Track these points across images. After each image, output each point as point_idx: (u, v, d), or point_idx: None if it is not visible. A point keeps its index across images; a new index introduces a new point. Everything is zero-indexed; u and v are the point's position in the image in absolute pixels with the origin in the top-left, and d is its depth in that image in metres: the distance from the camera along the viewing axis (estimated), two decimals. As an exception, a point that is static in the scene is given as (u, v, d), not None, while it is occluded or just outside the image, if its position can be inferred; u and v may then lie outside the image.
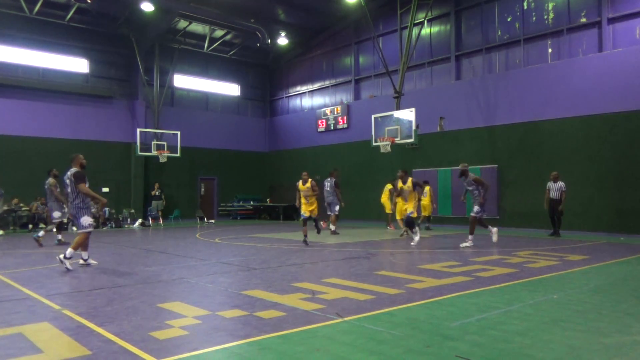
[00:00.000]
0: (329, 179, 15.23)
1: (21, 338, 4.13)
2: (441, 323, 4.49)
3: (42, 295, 5.89)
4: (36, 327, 4.44)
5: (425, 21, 19.18)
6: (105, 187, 21.20)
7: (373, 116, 17.35)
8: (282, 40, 23.68)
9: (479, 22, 18.21)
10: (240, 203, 25.10)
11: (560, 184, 13.18)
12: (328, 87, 24.28)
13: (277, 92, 27.40)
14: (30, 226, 17.61)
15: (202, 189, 24.06)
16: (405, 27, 18.40)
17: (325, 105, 24.19)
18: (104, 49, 21.82)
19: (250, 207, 25.11)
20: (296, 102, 26.30)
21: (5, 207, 17.35)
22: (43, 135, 19.73)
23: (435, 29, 19.70)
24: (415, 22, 17.77)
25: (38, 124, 19.71)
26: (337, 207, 14.94)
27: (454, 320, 4.58)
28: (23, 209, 17.86)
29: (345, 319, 4.66)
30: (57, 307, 5.26)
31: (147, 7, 19.18)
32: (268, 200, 25.41)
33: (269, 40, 23.05)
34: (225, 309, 5.14)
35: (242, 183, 25.83)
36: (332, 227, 14.81)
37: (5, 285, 6.69)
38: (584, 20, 15.50)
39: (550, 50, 16.24)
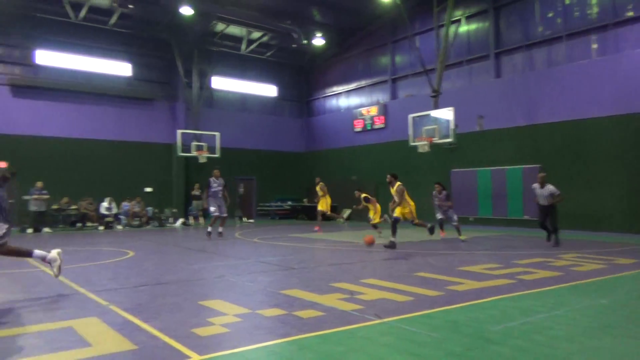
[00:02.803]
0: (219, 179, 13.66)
1: (71, 332, 4.30)
2: (482, 326, 4.41)
3: (90, 291, 6.12)
4: (85, 322, 4.62)
5: (463, 18, 18.85)
6: (148, 187, 21.82)
7: (410, 116, 17.19)
8: (318, 41, 23.76)
9: (519, 18, 17.75)
10: (278, 203, 25.36)
11: (549, 188, 11.12)
12: (364, 86, 24.20)
13: (314, 92, 27.51)
14: (79, 224, 18.30)
15: (242, 189, 24.38)
16: (442, 25, 18.15)
17: (362, 105, 24.12)
18: (146, 53, 22.47)
19: (288, 207, 25.32)
20: (332, 102, 26.34)
21: (55, 206, 18.11)
22: (89, 137, 20.50)
23: (473, 26, 19.33)
24: (453, 19, 17.50)
25: (84, 126, 20.50)
26: (212, 209, 13.44)
27: (496, 324, 4.49)
28: (72, 207, 18.56)
29: (384, 320, 4.64)
30: (104, 302, 5.46)
31: (187, 11, 19.63)
32: (305, 200, 25.55)
33: (305, 41, 23.18)
34: (265, 307, 5.21)
35: (280, 183, 26.08)
36: (209, 228, 13.68)
37: (56, 281, 6.98)
38: (630, 14, 14.88)
39: (594, 46, 15.67)
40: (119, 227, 18.67)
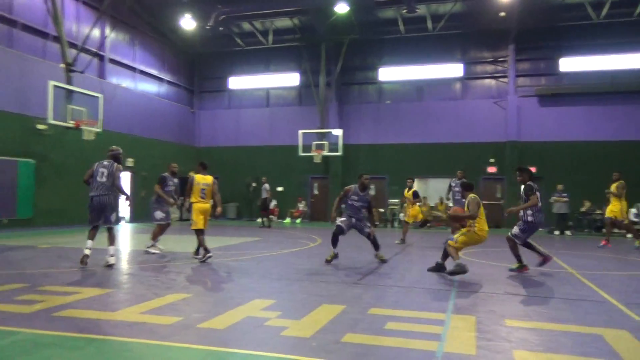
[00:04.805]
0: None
1: (599, 339, 4.23)
2: None
3: (619, 301, 5.81)
4: (615, 333, 4.43)
5: None
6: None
7: None
8: None
9: None
10: None
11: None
12: None
13: None
14: (603, 230, 17.71)
15: None
16: None
17: None
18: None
19: None
20: None
21: (582, 209, 18.27)
22: (614, 139, 19.49)
23: None
24: None
25: (609, 127, 19.67)
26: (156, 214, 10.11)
27: None
28: (596, 212, 18.13)
29: None
30: (637, 317, 5.06)
31: None
32: None
33: None
34: None
35: None
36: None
37: (582, 284, 7.03)
38: None
39: None
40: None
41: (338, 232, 8.72)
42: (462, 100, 21.89)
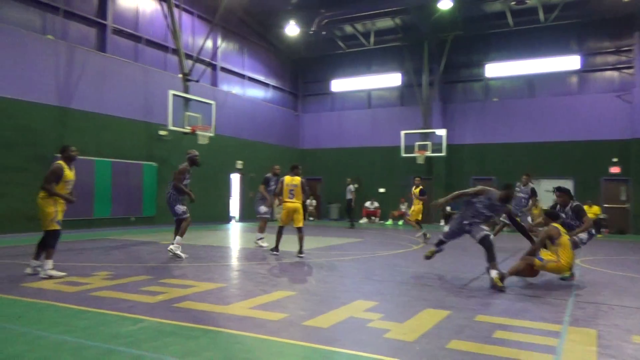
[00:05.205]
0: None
1: None
2: None
3: None
4: None
5: None
6: None
7: None
8: None
9: None
10: None
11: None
12: None
13: None
14: None
15: None
16: None
17: None
18: None
19: None
20: None
21: None
22: None
23: None
24: None
25: None
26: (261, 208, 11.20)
27: None
28: None
29: None
30: None
31: None
32: None
33: None
34: None
35: None
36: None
37: None
38: None
39: None
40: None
41: (447, 238, 7.65)
42: (579, 94, 20.21)
